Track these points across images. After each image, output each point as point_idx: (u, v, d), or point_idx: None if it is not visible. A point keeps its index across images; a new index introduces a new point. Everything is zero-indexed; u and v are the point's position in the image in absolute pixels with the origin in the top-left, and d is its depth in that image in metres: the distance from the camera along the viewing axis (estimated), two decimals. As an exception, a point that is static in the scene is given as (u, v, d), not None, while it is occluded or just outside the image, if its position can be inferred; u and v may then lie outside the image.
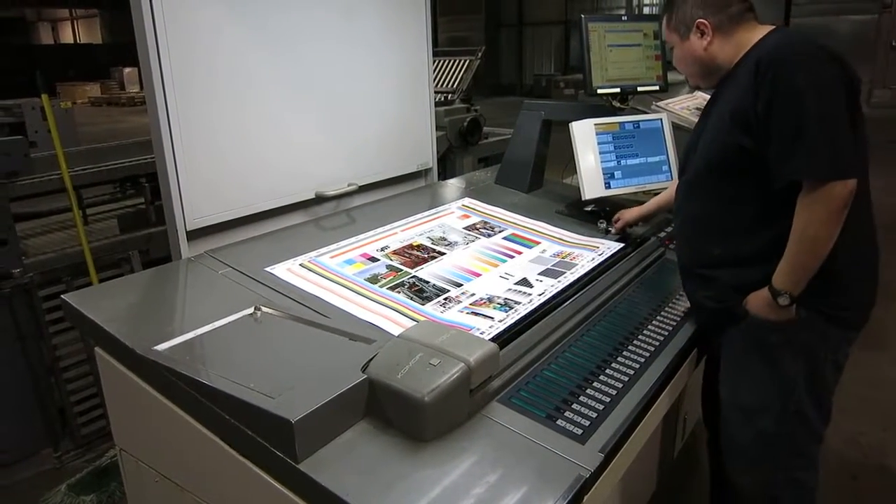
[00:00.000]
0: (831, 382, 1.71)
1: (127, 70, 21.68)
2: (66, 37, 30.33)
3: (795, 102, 1.48)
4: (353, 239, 2.08)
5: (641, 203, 2.32)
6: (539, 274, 1.95)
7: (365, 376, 1.29)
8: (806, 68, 1.49)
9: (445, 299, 1.76)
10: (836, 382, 1.74)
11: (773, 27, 1.69)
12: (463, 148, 4.03)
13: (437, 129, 2.87)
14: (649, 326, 1.81)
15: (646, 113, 2.78)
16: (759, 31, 1.68)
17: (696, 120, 3.40)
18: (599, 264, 2.03)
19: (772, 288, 1.58)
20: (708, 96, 4.01)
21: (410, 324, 1.54)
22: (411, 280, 1.85)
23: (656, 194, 2.79)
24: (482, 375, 1.35)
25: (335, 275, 1.83)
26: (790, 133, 1.48)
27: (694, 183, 1.77)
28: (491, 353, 1.35)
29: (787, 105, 1.49)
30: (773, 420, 1.68)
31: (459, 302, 1.75)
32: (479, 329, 1.60)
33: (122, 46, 22.67)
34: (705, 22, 1.69)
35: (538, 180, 2.78)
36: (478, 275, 1.93)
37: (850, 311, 1.66)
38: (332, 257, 1.94)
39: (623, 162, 2.40)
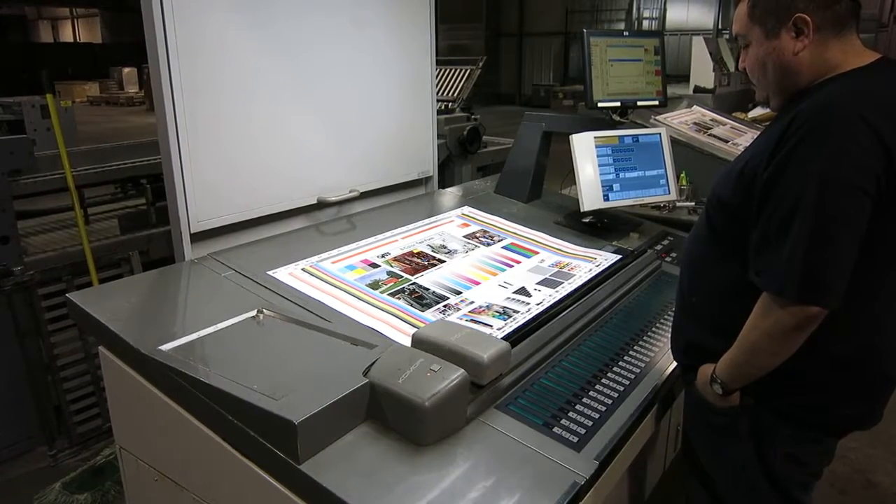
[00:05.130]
0: (795, 474, 1.45)
1: (126, 70, 21.71)
2: (67, 35, 30.31)
3: (797, 188, 1.21)
4: (354, 245, 2.10)
5: (639, 216, 2.33)
6: (537, 283, 1.98)
7: (366, 380, 1.31)
8: (835, 145, 1.19)
9: (445, 306, 1.78)
10: (814, 476, 1.49)
11: (878, 58, 1.33)
12: (462, 156, 4.06)
13: (437, 138, 2.89)
14: (645, 337, 1.84)
15: (645, 127, 2.82)
16: (854, 58, 1.32)
17: (693, 135, 3.44)
18: (597, 275, 2.06)
19: (713, 371, 1.42)
20: (705, 111, 3.98)
21: (411, 330, 1.56)
22: (412, 287, 1.87)
23: (654, 208, 2.83)
24: (494, 372, 1.40)
25: (337, 280, 1.85)
26: (777, 222, 1.24)
27: (705, 207, 1.54)
28: (503, 351, 1.41)
29: (788, 187, 1.23)
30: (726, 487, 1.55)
31: (459, 309, 1.77)
32: (478, 336, 1.62)
33: (122, 46, 22.72)
34: (807, 18, 1.29)
35: (537, 191, 2.81)
36: (477, 283, 1.95)
37: (815, 415, 1.40)
38: (333, 262, 1.97)
39: (622, 175, 2.44)
